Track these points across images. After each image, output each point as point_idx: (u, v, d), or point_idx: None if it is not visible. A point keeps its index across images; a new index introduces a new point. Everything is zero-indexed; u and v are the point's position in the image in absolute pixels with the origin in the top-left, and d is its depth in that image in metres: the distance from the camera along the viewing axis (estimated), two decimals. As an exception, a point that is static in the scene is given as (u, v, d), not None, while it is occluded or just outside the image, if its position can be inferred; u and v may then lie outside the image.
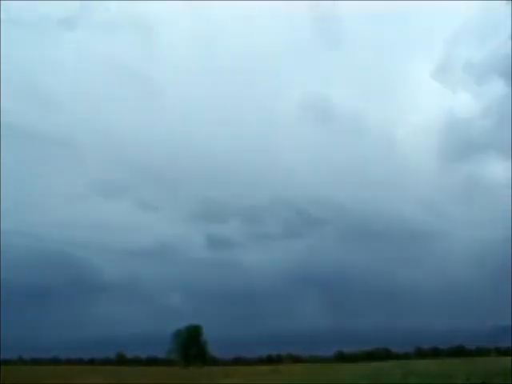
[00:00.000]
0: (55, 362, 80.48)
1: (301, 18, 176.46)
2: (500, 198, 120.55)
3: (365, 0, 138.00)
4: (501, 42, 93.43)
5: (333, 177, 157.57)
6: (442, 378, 25.17)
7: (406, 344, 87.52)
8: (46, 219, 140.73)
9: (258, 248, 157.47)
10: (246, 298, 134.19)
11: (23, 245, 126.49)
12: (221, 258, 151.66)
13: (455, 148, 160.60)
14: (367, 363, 56.98)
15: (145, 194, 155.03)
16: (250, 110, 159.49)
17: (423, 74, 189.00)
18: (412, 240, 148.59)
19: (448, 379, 24.22)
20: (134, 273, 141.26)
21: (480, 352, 77.82)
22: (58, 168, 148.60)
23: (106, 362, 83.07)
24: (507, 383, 20.59)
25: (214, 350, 71.88)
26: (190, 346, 66.92)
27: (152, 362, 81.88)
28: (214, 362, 73.29)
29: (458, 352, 79.53)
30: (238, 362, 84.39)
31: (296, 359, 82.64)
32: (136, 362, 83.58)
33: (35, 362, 76.50)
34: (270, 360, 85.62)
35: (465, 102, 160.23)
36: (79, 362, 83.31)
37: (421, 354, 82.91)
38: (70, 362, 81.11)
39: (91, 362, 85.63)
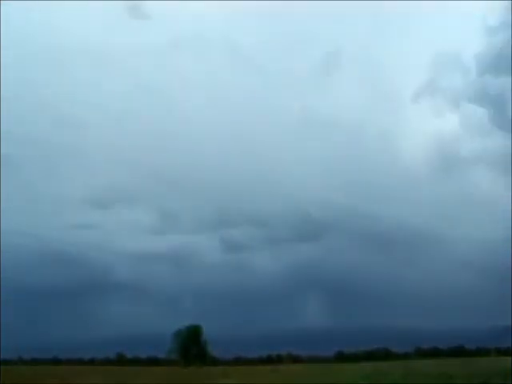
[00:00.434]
0: (55, 361, 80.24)
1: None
2: (500, 199, 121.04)
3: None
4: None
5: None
6: (441, 378, 25.17)
7: (406, 344, 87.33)
8: (59, 223, 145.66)
9: (269, 252, 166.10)
10: (248, 299, 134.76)
11: (23, 245, 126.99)
12: (232, 261, 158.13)
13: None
14: (367, 363, 56.84)
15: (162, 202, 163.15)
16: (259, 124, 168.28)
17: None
18: (412, 241, 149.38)
19: (448, 379, 24.22)
20: (142, 274, 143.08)
21: (480, 352, 77.46)
22: (70, 171, 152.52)
23: (106, 361, 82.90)
24: (507, 383, 20.60)
25: (213, 350, 71.90)
26: (190, 345, 66.82)
27: (152, 361, 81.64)
28: (214, 361, 73.10)
29: (458, 352, 79.14)
30: (238, 361, 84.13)
31: (296, 359, 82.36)
32: (136, 361, 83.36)
33: (35, 361, 76.21)
34: (270, 360, 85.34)
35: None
36: (79, 361, 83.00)
37: (421, 353, 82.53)
38: (70, 361, 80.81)
39: (91, 361, 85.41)
